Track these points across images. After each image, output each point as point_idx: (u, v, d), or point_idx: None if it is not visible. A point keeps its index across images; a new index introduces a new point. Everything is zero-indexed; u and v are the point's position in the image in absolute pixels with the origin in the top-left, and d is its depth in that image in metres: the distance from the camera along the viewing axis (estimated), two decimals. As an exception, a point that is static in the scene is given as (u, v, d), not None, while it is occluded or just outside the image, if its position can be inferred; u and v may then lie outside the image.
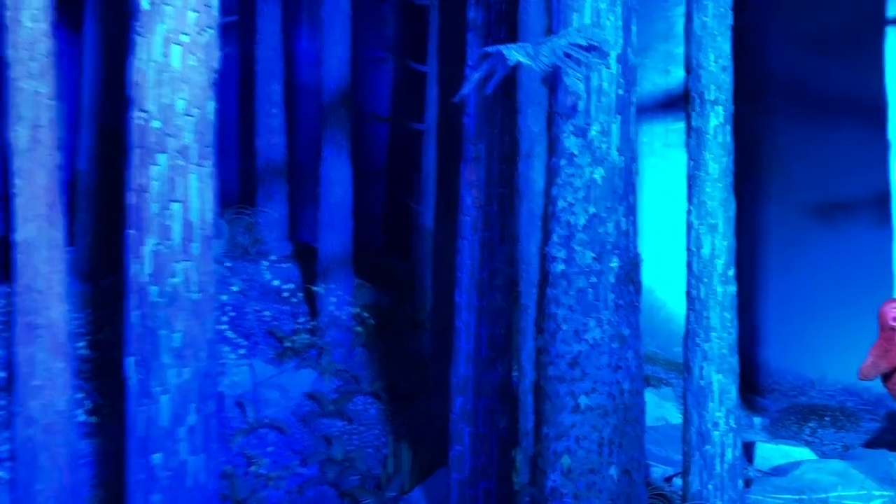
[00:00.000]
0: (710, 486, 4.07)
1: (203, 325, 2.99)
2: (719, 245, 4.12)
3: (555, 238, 3.17)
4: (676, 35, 8.93)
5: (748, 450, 6.00)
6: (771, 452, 5.79)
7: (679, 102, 9.06)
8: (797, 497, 4.76)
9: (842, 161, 8.64)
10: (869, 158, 8.44)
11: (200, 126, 2.97)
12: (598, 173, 3.13)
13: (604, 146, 3.13)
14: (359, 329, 6.23)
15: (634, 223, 3.26)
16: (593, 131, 3.12)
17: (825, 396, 8.56)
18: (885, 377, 5.16)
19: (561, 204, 3.17)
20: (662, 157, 9.14)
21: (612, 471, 3.05)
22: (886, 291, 8.31)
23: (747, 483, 5.19)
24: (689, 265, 4.21)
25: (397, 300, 7.05)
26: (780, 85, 8.98)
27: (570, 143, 3.13)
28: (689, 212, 4.20)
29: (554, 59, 2.91)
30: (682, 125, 9.06)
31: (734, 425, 4.09)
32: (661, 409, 6.62)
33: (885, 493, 4.78)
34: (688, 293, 4.23)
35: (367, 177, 9.08)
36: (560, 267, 3.16)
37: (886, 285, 8.23)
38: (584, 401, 3.06)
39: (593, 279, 3.11)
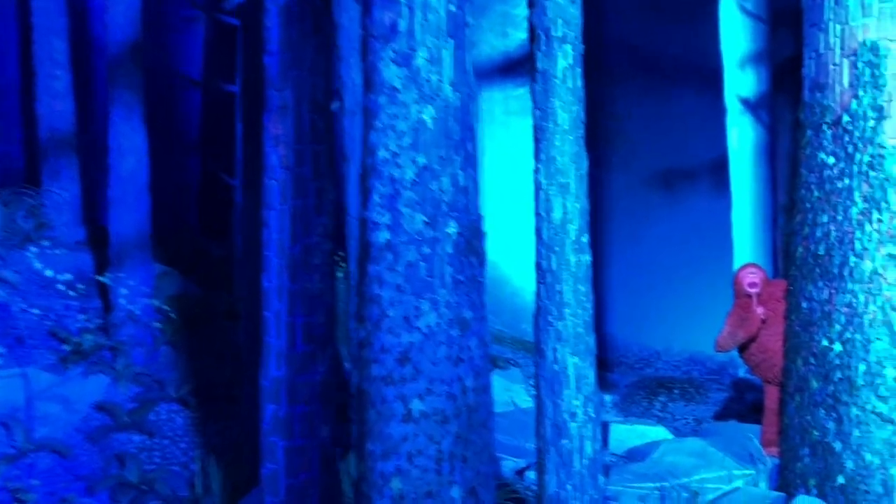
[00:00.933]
0: (568, 487, 3.53)
1: None
2: (571, 208, 3.55)
3: (375, 198, 2.46)
4: (514, -6, 8.46)
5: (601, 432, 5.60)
6: (626, 433, 5.41)
7: (518, 67, 8.64)
8: (659, 484, 4.34)
9: (682, 128, 8.51)
10: (707, 124, 8.35)
11: None
12: (428, 113, 2.45)
13: (434, 78, 2.45)
14: (160, 324, 5.27)
15: (475, 178, 2.61)
16: (420, 59, 2.43)
17: (671, 367, 8.44)
18: (742, 347, 4.85)
19: (382, 154, 2.46)
20: (503, 126, 8.66)
21: (455, 492, 2.41)
22: (727, 259, 8.28)
23: (605, 471, 4.75)
24: (538, 232, 3.62)
25: (211, 289, 6.12)
26: (617, 50, 8.73)
27: (391, 73, 2.42)
28: (536, 170, 3.60)
29: (364, -46, 2.18)
30: (522, 91, 8.62)
31: (593, 414, 3.56)
32: (509, 392, 6.12)
33: (746, 471, 4.46)
34: (537, 264, 3.65)
35: (179, 149, 8.02)
36: (383, 236, 2.46)
37: (726, 253, 8.19)
38: (417, 406, 2.39)
39: (426, 250, 2.44)
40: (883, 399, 3.68)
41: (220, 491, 4.26)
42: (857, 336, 3.75)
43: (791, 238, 4.28)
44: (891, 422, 3.66)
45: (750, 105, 8.04)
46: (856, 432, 3.74)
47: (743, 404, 6.51)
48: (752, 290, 4.72)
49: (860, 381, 3.74)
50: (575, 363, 3.54)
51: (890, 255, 3.69)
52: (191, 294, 5.90)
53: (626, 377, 8.05)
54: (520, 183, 7.79)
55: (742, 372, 8.13)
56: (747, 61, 8.07)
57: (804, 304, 4.07)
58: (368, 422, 2.42)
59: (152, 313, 5.30)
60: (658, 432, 5.39)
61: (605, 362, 8.74)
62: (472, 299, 2.51)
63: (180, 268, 6.33)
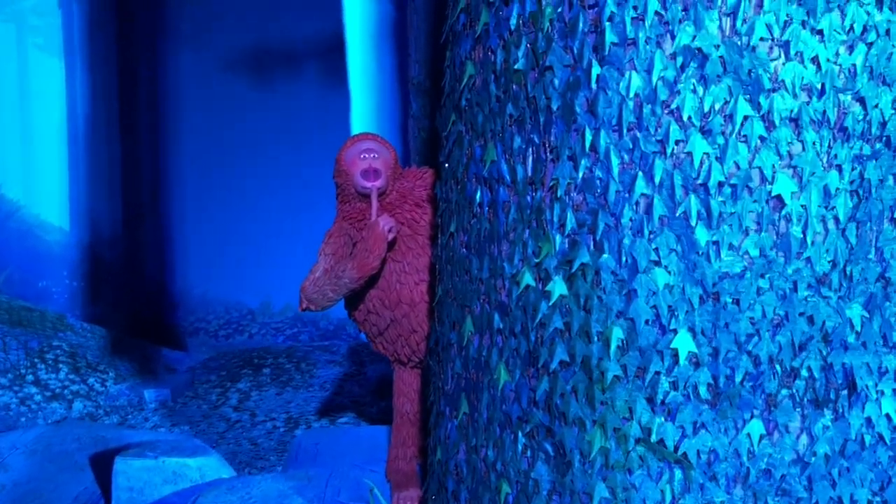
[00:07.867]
0: None
1: None
2: None
3: None
4: None
5: (102, 470, 2.96)
6: (146, 475, 2.83)
7: None
8: None
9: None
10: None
11: None
12: None
13: None
14: None
15: None
16: None
17: (271, 331, 6.05)
18: (353, 301, 2.50)
19: None
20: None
21: None
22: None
23: None
24: None
25: None
26: None
27: None
28: None
29: None
30: None
31: None
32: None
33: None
34: None
35: None
36: None
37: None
38: None
39: None
40: (665, 410, 1.53)
41: None
42: (608, 246, 1.55)
43: (446, 53, 1.97)
44: (680, 463, 1.52)
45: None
46: (600, 488, 1.56)
47: (364, 384, 4.31)
48: (371, 186, 2.38)
49: (610, 366, 1.55)
50: None
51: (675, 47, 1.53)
52: None
53: (204, 349, 5.46)
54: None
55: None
56: None
57: (480, 195, 1.79)
58: None
59: None
60: (207, 465, 2.89)
61: (174, 332, 6.07)
62: None
63: None
